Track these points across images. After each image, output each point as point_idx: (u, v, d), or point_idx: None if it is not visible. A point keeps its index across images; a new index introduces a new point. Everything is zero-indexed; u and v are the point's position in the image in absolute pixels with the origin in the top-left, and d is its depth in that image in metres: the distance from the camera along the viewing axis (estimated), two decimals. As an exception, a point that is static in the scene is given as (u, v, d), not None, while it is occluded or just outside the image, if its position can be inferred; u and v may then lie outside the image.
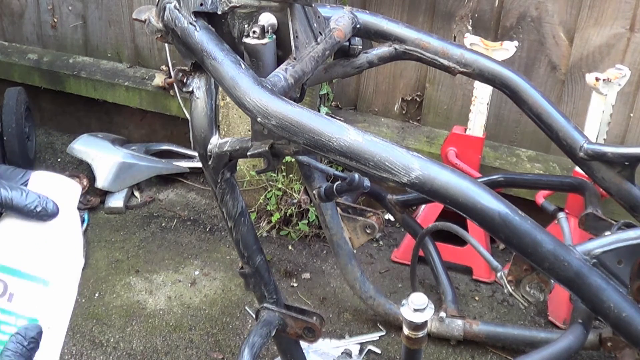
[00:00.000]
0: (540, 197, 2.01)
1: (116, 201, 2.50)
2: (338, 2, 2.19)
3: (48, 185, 0.75)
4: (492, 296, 2.14)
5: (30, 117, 2.73)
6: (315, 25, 1.16)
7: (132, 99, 2.70)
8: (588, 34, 2.11)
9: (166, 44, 2.18)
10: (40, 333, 0.71)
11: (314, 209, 2.29)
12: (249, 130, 1.18)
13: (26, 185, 0.75)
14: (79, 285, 0.80)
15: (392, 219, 2.38)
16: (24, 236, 0.73)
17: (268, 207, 2.33)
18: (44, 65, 2.82)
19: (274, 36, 1.08)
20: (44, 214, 0.73)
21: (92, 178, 2.51)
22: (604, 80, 1.81)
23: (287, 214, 2.32)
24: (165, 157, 2.70)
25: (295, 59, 1.09)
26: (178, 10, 1.09)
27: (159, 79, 2.62)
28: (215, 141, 1.19)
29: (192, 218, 2.48)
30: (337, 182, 1.45)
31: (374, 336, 1.96)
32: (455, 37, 2.26)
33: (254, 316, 1.87)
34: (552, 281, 1.08)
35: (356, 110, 2.54)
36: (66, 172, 2.56)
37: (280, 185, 2.30)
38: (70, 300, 0.77)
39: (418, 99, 2.43)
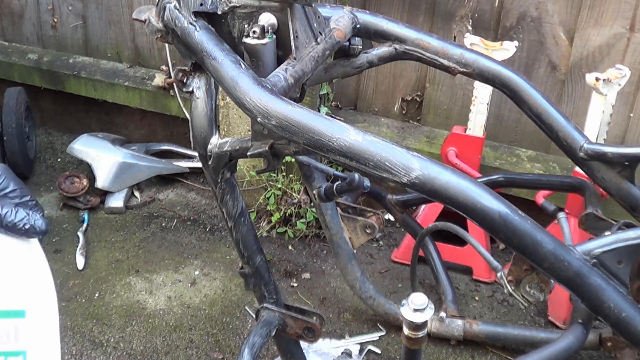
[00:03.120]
0: (540, 197, 2.01)
1: (116, 201, 2.50)
2: (338, 2, 2.19)
3: None
4: (492, 296, 2.14)
5: (30, 117, 2.73)
6: (315, 25, 1.16)
7: (132, 99, 2.70)
8: (588, 34, 2.11)
9: (166, 44, 2.19)
10: None
11: (312, 209, 2.29)
12: (249, 130, 1.18)
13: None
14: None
15: (392, 219, 2.38)
16: None
17: (268, 207, 2.33)
18: (44, 65, 2.82)
19: (274, 36, 1.08)
20: (32, 232, 0.76)
21: (92, 178, 2.51)
22: (604, 80, 1.81)
23: (287, 214, 2.32)
24: (165, 157, 2.70)
25: (295, 59, 1.10)
26: (178, 10, 1.09)
27: (159, 79, 2.62)
28: (215, 141, 1.19)
29: (192, 218, 2.48)
30: (337, 182, 1.45)
31: (374, 336, 1.96)
32: (455, 37, 2.26)
33: (254, 316, 1.87)
34: (552, 281, 1.08)
35: (356, 110, 2.54)
36: (66, 172, 2.56)
37: (280, 185, 2.30)
38: (53, 325, 0.76)
39: (418, 99, 2.43)
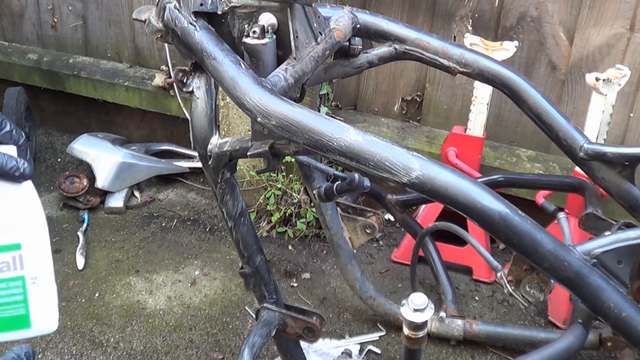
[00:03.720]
0: (540, 197, 2.01)
1: (116, 201, 2.50)
2: (338, 2, 2.19)
3: None
4: (492, 296, 2.14)
5: (30, 117, 2.73)
6: (315, 25, 1.16)
7: (132, 99, 2.70)
8: (588, 34, 2.11)
9: (166, 44, 2.19)
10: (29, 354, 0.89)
11: (312, 209, 2.29)
12: (249, 130, 1.18)
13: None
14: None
15: (392, 219, 2.38)
16: None
17: (268, 207, 2.33)
18: (44, 65, 2.82)
19: (274, 36, 1.08)
20: (20, 176, 0.84)
21: (92, 178, 2.51)
22: (604, 80, 1.81)
23: (287, 214, 2.32)
24: (165, 157, 2.70)
25: (295, 59, 1.10)
26: (178, 10, 1.09)
27: (159, 79, 2.62)
28: (215, 141, 1.19)
29: (192, 218, 2.48)
30: (337, 182, 1.45)
31: (374, 336, 1.96)
32: (455, 37, 2.26)
33: (254, 316, 1.87)
34: (552, 281, 1.08)
35: (356, 110, 2.54)
36: (66, 172, 2.56)
37: (280, 185, 2.30)
38: (46, 253, 0.88)
39: (418, 99, 2.43)
